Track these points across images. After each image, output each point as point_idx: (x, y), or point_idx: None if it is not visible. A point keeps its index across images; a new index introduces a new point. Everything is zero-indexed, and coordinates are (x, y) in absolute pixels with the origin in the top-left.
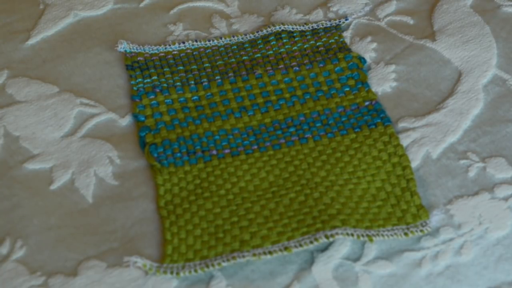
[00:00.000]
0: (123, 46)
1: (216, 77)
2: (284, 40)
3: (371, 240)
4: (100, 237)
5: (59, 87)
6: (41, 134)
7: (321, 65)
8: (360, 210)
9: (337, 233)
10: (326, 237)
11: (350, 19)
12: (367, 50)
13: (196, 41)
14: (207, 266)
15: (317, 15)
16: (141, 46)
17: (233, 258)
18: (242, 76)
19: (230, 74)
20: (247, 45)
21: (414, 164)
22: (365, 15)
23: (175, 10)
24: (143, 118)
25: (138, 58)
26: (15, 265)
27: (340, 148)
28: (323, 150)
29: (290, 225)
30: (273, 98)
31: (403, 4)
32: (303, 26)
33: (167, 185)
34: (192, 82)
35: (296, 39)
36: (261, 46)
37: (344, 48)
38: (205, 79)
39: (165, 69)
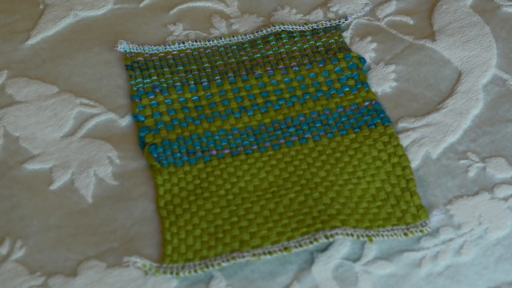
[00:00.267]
0: (123, 46)
1: (216, 77)
2: (284, 40)
3: (371, 240)
4: (100, 237)
5: (59, 87)
6: (41, 134)
7: (321, 65)
8: (360, 210)
9: (337, 233)
10: (326, 237)
11: (350, 19)
12: (367, 50)
13: (196, 41)
14: (207, 266)
15: (317, 15)
16: (141, 46)
17: (233, 258)
18: (242, 76)
19: (230, 74)
20: (247, 45)
21: (414, 164)
22: (365, 15)
23: (175, 10)
24: (143, 118)
25: (138, 58)
26: (15, 265)
27: (340, 148)
28: (323, 150)
29: (290, 225)
30: (273, 98)
31: (403, 4)
32: (303, 26)
33: (166, 185)
34: (192, 82)
35: (296, 39)
36: (261, 46)
37: (344, 48)
38: (205, 79)
39: (165, 69)
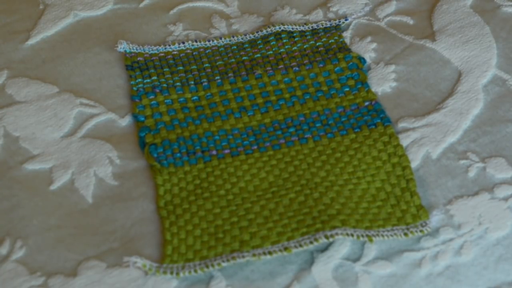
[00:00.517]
0: (123, 46)
1: (216, 77)
2: (284, 40)
3: (371, 241)
4: (100, 237)
5: (59, 87)
6: (41, 135)
7: (321, 65)
8: (360, 210)
9: (337, 234)
10: (326, 237)
11: (350, 19)
12: (367, 50)
13: (196, 41)
14: (207, 266)
15: (317, 15)
16: (141, 46)
17: (233, 258)
18: (242, 76)
19: (230, 74)
20: (247, 45)
21: (414, 164)
22: (365, 15)
23: (175, 10)
24: (143, 118)
25: (138, 58)
26: (15, 265)
27: (340, 148)
28: (323, 150)
29: (290, 226)
30: (273, 98)
31: (403, 4)
32: (303, 26)
33: (166, 185)
34: (192, 82)
35: (296, 39)
36: (261, 46)
37: (344, 48)
38: (205, 79)
39: (165, 69)
